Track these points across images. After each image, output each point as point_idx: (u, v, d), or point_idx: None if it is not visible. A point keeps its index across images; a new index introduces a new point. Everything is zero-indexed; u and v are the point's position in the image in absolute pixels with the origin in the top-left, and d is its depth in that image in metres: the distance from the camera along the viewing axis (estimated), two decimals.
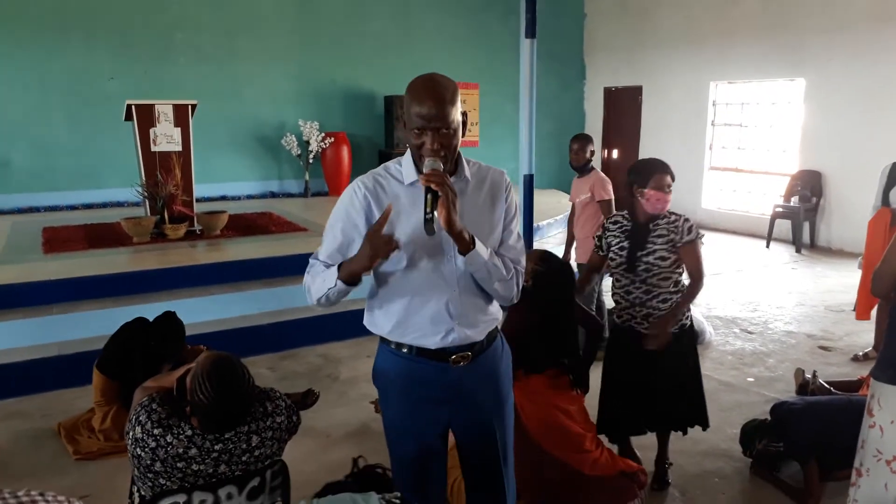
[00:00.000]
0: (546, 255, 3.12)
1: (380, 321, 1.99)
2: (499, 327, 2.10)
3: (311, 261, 1.97)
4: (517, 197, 2.33)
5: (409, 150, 1.90)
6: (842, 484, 2.88)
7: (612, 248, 3.19)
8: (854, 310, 5.18)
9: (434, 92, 1.78)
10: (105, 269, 5.39)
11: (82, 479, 3.35)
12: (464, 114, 1.87)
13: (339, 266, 1.85)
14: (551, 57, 10.85)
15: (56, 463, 3.51)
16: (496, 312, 2.05)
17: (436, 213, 1.73)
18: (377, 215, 1.84)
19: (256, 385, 2.10)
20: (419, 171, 1.85)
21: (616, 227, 3.24)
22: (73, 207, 8.69)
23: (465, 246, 1.80)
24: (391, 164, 1.95)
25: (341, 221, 1.91)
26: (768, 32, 9.37)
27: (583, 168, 4.89)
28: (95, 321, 4.67)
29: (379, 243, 1.74)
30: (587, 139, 4.96)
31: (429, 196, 1.73)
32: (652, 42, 11.03)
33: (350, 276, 1.82)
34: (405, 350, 1.96)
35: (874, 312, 4.87)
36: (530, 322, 2.90)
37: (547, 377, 2.90)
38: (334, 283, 1.83)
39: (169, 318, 3.77)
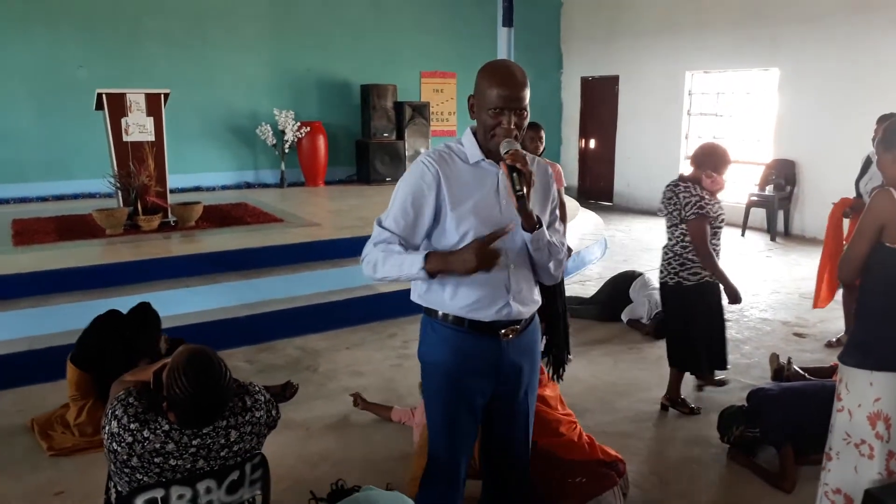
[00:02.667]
0: None
1: (435, 296, 2.04)
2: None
3: (377, 229, 2.00)
4: None
5: (469, 130, 2.02)
6: (817, 468, 2.92)
7: (717, 217, 3.65)
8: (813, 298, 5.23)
9: (514, 74, 1.91)
10: (77, 262, 5.28)
11: (56, 475, 3.30)
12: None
13: (427, 256, 1.88)
14: (528, 46, 10.84)
15: (29, 459, 3.44)
16: (538, 293, 2.16)
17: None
18: (444, 191, 1.94)
19: (235, 379, 2.06)
20: (484, 151, 1.97)
21: (710, 199, 3.63)
22: (42, 199, 8.50)
23: (533, 224, 1.91)
24: (452, 143, 2.04)
25: (412, 195, 1.96)
26: (744, 23, 9.45)
27: (539, 156, 4.88)
28: (68, 315, 4.58)
29: (488, 256, 1.84)
30: (540, 127, 4.96)
31: (514, 175, 1.82)
32: (629, 32, 11.06)
33: (439, 273, 1.89)
34: (459, 323, 2.02)
35: (839, 297, 4.95)
36: None
37: None
38: (417, 272, 1.88)
39: (144, 308, 3.72)
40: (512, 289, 2.00)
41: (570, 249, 4.94)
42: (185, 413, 1.92)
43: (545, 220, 2.03)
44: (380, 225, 1.99)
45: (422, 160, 1.99)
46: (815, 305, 4.86)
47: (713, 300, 3.82)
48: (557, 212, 2.13)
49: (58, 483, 3.22)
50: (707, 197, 3.62)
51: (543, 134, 4.89)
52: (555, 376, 3.09)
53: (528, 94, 1.93)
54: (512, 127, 1.90)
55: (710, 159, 3.63)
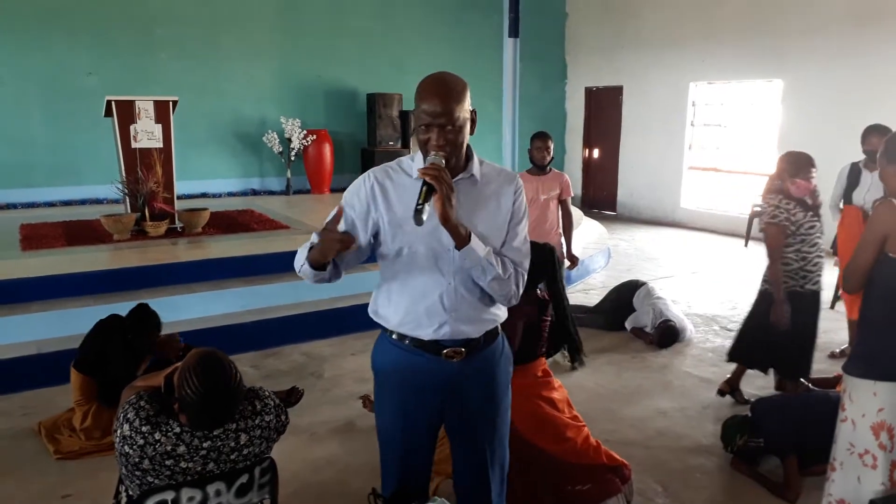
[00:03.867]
0: None
1: (381, 310, 2.04)
2: (499, 329, 2.10)
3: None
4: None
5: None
6: (821, 479, 2.93)
7: (801, 224, 3.72)
8: (831, 307, 5.29)
9: (440, 90, 1.84)
10: (85, 267, 5.32)
11: (63, 479, 3.32)
12: (472, 111, 1.91)
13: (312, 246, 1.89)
14: (533, 56, 10.90)
15: (36, 462, 3.47)
16: (497, 312, 2.06)
17: (427, 205, 1.76)
18: (381, 205, 1.93)
19: (244, 384, 2.09)
20: None
21: (796, 206, 3.73)
22: (50, 204, 8.57)
23: (461, 240, 1.83)
24: (405, 158, 2.01)
25: (346, 205, 1.98)
26: (748, 34, 9.50)
27: (547, 166, 4.94)
28: (75, 319, 4.60)
29: (328, 240, 1.81)
30: (549, 137, 5.03)
31: (423, 188, 1.77)
32: (633, 42, 11.12)
33: (312, 261, 1.87)
34: (401, 340, 1.99)
35: (840, 304, 5.00)
36: (522, 313, 2.94)
37: (532, 368, 2.94)
38: (303, 262, 1.90)
39: (142, 309, 3.75)
40: (449, 306, 1.93)
41: (574, 259, 5.05)
42: (196, 414, 1.95)
43: (496, 234, 1.94)
44: (316, 232, 1.98)
45: (365, 174, 1.99)
46: (849, 315, 4.78)
47: (813, 310, 3.88)
48: (520, 230, 2.00)
49: (65, 486, 3.24)
50: (791, 206, 3.72)
51: (551, 144, 4.94)
52: (575, 362, 3.25)
53: (459, 109, 1.83)
54: (441, 143, 1.83)
55: (790, 167, 3.76)
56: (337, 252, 1.82)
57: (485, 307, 2.00)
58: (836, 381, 4.30)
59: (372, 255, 2.04)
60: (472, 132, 1.92)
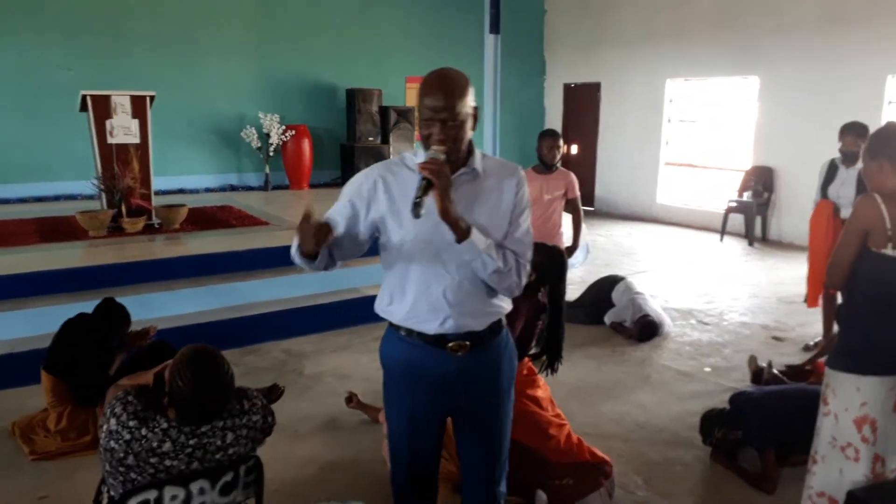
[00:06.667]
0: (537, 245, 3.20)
1: (386, 305, 2.06)
2: (503, 321, 2.11)
3: None
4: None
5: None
6: (797, 470, 2.99)
7: None
8: (805, 300, 5.41)
9: (443, 85, 1.86)
10: (60, 264, 5.24)
11: (39, 480, 3.26)
12: (475, 109, 1.93)
13: None
14: (512, 53, 10.89)
15: (12, 463, 3.40)
16: (501, 304, 2.07)
17: (425, 199, 1.79)
18: (383, 199, 1.96)
19: (234, 381, 2.08)
20: None
21: None
22: (23, 200, 8.42)
23: (461, 234, 1.85)
24: (408, 153, 2.04)
25: (349, 195, 2.00)
26: (724, 32, 9.60)
27: (554, 165, 4.93)
28: (50, 317, 4.49)
29: (302, 231, 1.82)
30: (558, 135, 5.01)
31: (423, 182, 1.80)
32: (611, 39, 11.19)
33: (299, 250, 1.89)
34: (408, 334, 2.02)
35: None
36: (522, 315, 2.96)
37: (518, 367, 2.95)
38: (295, 248, 1.92)
39: (109, 304, 3.70)
40: (452, 300, 1.95)
41: (570, 252, 4.88)
42: (186, 408, 1.95)
43: (498, 227, 1.96)
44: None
45: (369, 168, 2.03)
46: (809, 305, 5.13)
47: None
48: (523, 221, 2.00)
49: (41, 487, 3.19)
50: None
51: (562, 142, 4.94)
52: (548, 371, 3.22)
53: (461, 104, 1.85)
54: (443, 138, 1.86)
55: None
56: (315, 243, 1.83)
57: (488, 299, 2.02)
58: (806, 372, 4.39)
59: (373, 247, 2.06)
60: (473, 128, 1.94)
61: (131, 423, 1.92)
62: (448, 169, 1.83)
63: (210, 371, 1.98)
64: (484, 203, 1.96)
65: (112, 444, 1.91)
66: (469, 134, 1.93)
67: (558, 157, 4.90)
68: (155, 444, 1.93)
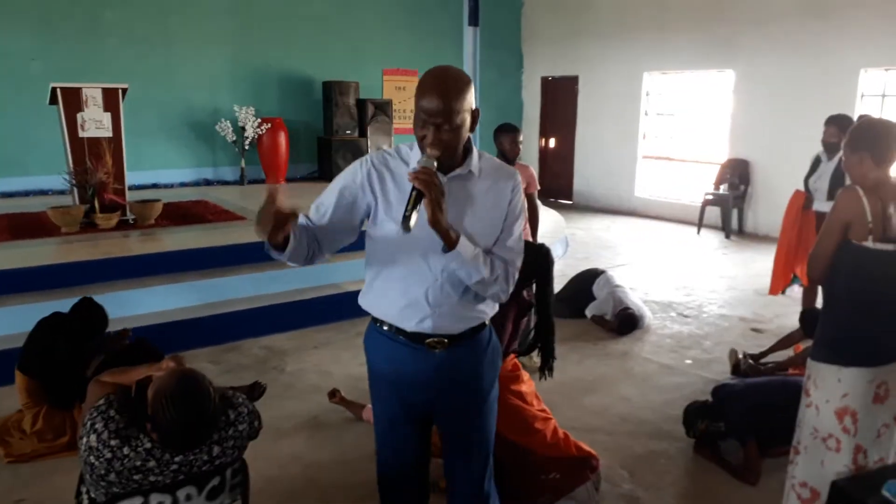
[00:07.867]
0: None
1: (368, 299, 2.04)
2: (486, 323, 2.08)
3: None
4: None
5: None
6: (780, 461, 3.03)
7: None
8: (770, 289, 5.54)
9: (440, 88, 1.78)
10: (31, 262, 5.11)
11: (15, 483, 3.19)
12: (475, 110, 1.87)
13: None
14: (490, 46, 10.89)
15: None
16: (484, 310, 2.03)
17: (416, 211, 1.73)
18: (377, 189, 1.91)
19: (220, 388, 2.02)
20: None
21: None
22: None
23: (450, 243, 1.81)
24: (404, 146, 1.98)
25: (340, 184, 1.95)
26: (700, 25, 9.67)
27: (515, 160, 4.91)
28: (21, 316, 4.40)
29: (262, 218, 1.72)
30: (518, 131, 4.99)
31: (413, 193, 1.73)
32: (588, 32, 11.21)
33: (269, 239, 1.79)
34: (389, 329, 1.99)
35: (792, 291, 5.42)
36: (507, 315, 2.94)
37: (503, 363, 2.94)
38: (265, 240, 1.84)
39: (88, 304, 3.61)
40: (433, 301, 1.91)
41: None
42: (170, 439, 1.88)
43: (489, 232, 1.93)
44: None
45: (363, 157, 1.98)
46: (770, 292, 5.33)
47: None
48: (515, 228, 1.98)
49: (17, 491, 3.12)
50: None
51: (521, 137, 4.92)
52: (546, 373, 3.20)
53: (458, 107, 1.79)
54: (437, 141, 1.80)
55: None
56: (273, 227, 1.73)
57: (472, 304, 1.98)
58: (788, 363, 4.44)
59: (357, 242, 2.02)
60: (472, 129, 1.89)
61: (112, 443, 1.85)
62: (439, 179, 1.77)
63: (195, 405, 1.89)
64: (478, 206, 1.92)
65: (92, 459, 1.84)
66: (466, 136, 1.88)
67: (519, 152, 4.89)
68: (139, 463, 1.87)
